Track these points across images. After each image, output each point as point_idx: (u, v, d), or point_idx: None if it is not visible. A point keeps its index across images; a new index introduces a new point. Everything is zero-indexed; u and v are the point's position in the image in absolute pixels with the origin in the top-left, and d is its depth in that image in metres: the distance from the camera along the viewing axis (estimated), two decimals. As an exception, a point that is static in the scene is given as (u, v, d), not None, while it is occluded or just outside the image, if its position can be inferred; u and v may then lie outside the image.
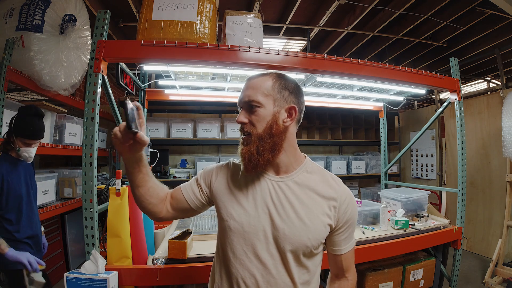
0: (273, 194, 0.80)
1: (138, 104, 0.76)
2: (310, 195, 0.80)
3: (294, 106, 0.81)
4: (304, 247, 0.76)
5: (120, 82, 2.13)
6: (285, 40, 4.14)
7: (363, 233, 1.87)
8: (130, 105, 0.71)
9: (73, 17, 2.19)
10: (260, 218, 0.78)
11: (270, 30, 3.78)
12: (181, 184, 0.92)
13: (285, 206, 0.78)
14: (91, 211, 1.34)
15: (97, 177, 1.40)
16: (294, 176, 0.82)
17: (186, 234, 1.56)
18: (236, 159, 0.92)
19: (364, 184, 4.52)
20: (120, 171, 1.50)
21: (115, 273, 1.31)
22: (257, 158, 0.77)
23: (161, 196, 0.87)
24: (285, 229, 0.76)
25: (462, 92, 2.19)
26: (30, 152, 1.65)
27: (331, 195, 0.80)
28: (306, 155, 0.88)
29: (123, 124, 0.73)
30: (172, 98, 2.75)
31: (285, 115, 0.80)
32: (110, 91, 1.58)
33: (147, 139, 0.75)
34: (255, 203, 0.80)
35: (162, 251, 1.51)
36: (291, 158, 0.83)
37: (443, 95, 4.90)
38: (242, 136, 0.83)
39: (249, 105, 0.80)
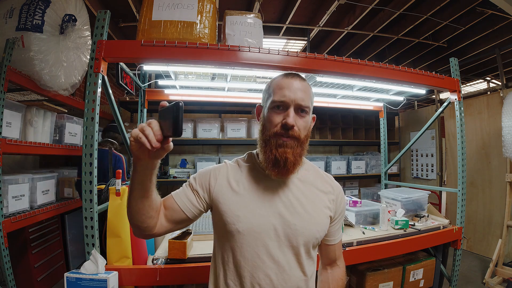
0: (280, 192, 0.81)
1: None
2: (313, 190, 0.85)
3: (314, 115, 0.87)
4: (314, 239, 0.80)
5: (120, 82, 2.13)
6: (285, 40, 4.14)
7: (363, 233, 1.87)
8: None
9: (73, 17, 2.19)
10: (270, 217, 0.78)
11: (270, 30, 3.78)
12: (172, 193, 0.83)
13: (293, 202, 0.80)
14: (91, 211, 1.34)
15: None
16: (297, 173, 0.84)
17: (186, 234, 1.56)
18: (229, 160, 0.90)
19: (364, 184, 4.52)
20: (120, 171, 1.51)
21: (115, 273, 1.31)
22: (299, 162, 0.79)
23: (159, 207, 0.78)
24: (296, 224, 0.78)
25: (462, 92, 2.19)
26: None
27: (329, 189, 0.87)
28: None
29: (154, 124, 0.61)
30: (172, 98, 2.75)
31: (310, 123, 0.85)
32: (110, 91, 1.57)
33: (172, 145, 0.67)
34: (263, 202, 0.79)
35: (162, 251, 1.51)
36: None
37: (443, 95, 4.90)
38: (286, 140, 0.76)
39: (301, 109, 0.78)
